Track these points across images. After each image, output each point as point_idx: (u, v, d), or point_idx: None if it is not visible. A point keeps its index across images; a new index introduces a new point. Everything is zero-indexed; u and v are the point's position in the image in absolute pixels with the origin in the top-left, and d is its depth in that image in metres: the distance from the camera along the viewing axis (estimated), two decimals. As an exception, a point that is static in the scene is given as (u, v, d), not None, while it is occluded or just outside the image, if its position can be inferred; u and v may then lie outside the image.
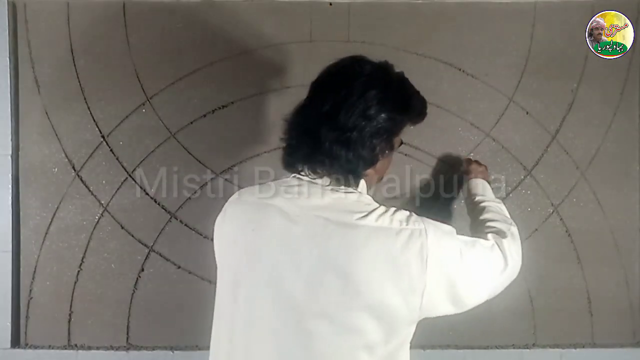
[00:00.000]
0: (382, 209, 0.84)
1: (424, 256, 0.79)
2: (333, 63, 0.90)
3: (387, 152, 0.88)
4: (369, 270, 0.77)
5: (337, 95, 0.83)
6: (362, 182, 0.89)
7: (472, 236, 0.91)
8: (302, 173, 0.88)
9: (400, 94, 0.88)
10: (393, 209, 0.84)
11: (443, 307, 0.83)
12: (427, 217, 0.85)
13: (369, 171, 0.88)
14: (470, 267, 0.84)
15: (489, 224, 1.02)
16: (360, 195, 0.87)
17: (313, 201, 0.84)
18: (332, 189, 0.85)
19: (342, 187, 0.86)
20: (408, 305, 0.79)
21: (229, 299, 0.84)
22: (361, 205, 0.84)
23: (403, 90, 0.90)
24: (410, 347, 0.87)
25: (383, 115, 0.83)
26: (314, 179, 0.87)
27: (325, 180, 0.86)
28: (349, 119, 0.81)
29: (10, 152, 1.41)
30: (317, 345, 0.78)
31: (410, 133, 1.42)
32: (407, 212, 0.84)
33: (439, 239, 0.82)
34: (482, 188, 1.23)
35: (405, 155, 1.44)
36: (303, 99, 0.90)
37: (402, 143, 0.95)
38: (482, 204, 1.13)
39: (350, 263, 0.77)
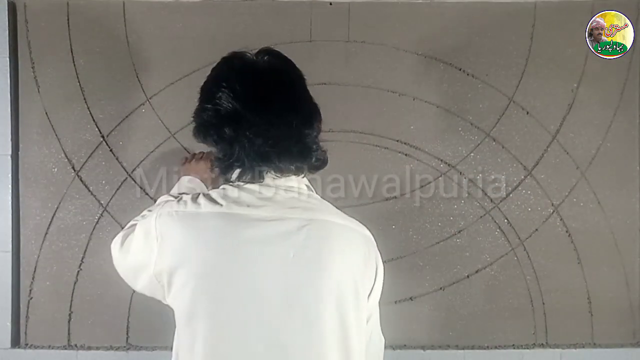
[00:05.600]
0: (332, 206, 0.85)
1: (376, 265, 0.84)
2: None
3: None
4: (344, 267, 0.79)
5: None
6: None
7: None
8: (245, 178, 0.84)
9: None
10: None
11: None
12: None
13: None
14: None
15: None
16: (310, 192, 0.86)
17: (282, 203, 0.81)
18: (288, 190, 0.83)
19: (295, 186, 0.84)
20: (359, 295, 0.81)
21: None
22: (317, 202, 0.84)
23: None
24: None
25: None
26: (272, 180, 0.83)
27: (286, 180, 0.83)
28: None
29: (10, 152, 1.41)
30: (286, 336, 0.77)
31: (410, 133, 1.44)
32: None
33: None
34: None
35: (406, 155, 1.44)
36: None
37: None
38: None
39: (326, 258, 0.78)
